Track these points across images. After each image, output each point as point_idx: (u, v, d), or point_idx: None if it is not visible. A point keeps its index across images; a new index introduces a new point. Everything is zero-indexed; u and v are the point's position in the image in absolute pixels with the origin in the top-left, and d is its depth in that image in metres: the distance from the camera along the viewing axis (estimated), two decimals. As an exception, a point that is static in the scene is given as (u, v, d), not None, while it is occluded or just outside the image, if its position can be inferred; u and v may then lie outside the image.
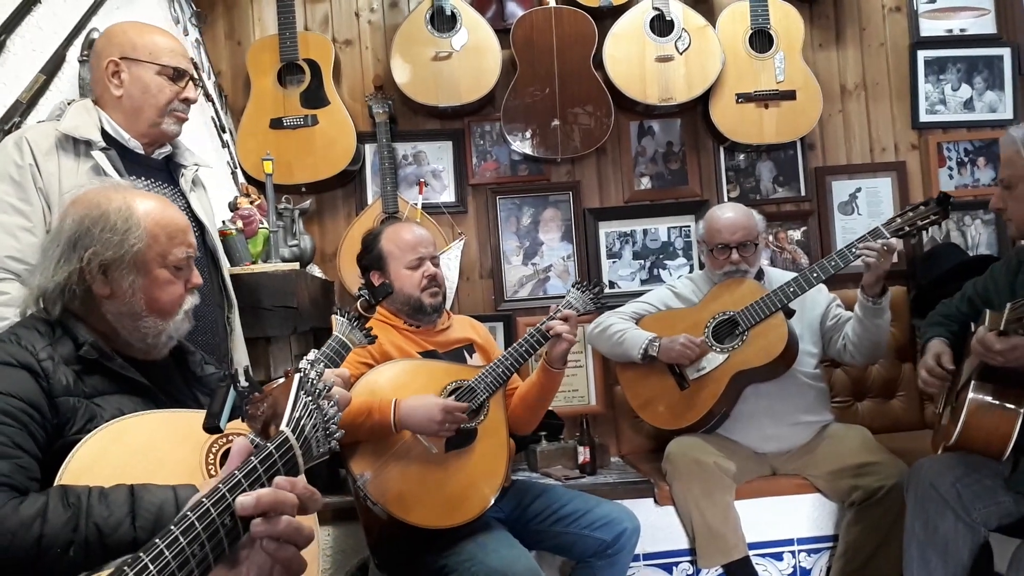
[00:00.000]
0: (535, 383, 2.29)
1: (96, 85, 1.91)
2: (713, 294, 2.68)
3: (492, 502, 2.11)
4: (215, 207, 2.25)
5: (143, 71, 1.87)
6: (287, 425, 1.01)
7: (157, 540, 0.81)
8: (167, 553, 0.80)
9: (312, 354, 1.28)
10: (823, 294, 2.73)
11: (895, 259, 2.44)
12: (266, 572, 0.90)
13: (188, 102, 1.93)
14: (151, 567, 0.79)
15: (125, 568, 0.78)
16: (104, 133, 1.84)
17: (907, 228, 2.45)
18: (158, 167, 1.97)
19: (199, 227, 2.00)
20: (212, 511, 0.86)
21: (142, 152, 1.92)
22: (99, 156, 1.80)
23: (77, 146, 1.80)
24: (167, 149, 1.99)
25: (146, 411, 1.30)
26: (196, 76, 1.98)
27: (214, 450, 1.27)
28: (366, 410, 2.00)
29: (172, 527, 0.82)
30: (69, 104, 1.96)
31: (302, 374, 1.09)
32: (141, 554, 0.80)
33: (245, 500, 0.88)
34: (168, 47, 1.91)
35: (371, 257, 2.30)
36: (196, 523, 0.84)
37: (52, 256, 1.35)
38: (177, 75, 1.90)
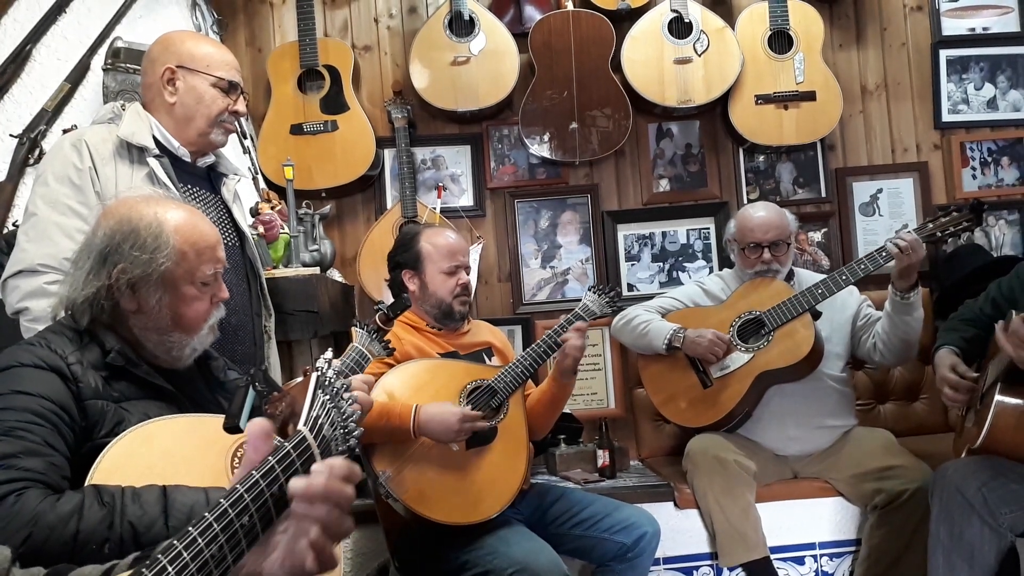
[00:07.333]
0: (546, 391, 2.30)
1: (147, 90, 1.92)
2: (740, 293, 2.66)
3: (513, 498, 2.12)
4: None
5: (198, 81, 1.89)
6: (305, 424, 1.01)
7: (175, 541, 0.81)
8: (185, 554, 0.80)
9: (329, 353, 1.29)
10: (854, 295, 2.70)
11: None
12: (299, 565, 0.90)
13: (237, 115, 1.96)
14: (169, 568, 0.79)
15: (143, 571, 0.78)
16: (154, 140, 1.87)
17: (939, 234, 2.45)
18: (202, 175, 2.00)
19: (239, 237, 2.02)
20: (230, 511, 0.86)
21: (189, 160, 1.95)
22: (154, 163, 1.82)
23: (132, 152, 1.83)
24: (210, 158, 2.01)
25: (173, 415, 1.31)
26: (245, 90, 2.00)
27: (239, 454, 1.28)
28: (386, 414, 2.02)
29: (190, 528, 0.83)
30: (123, 108, 1.98)
31: (319, 372, 1.10)
32: (159, 556, 0.80)
33: (296, 483, 0.89)
34: (223, 60, 1.93)
35: (408, 255, 2.30)
36: (214, 524, 0.84)
37: (83, 268, 1.37)
38: (230, 88, 1.93)
